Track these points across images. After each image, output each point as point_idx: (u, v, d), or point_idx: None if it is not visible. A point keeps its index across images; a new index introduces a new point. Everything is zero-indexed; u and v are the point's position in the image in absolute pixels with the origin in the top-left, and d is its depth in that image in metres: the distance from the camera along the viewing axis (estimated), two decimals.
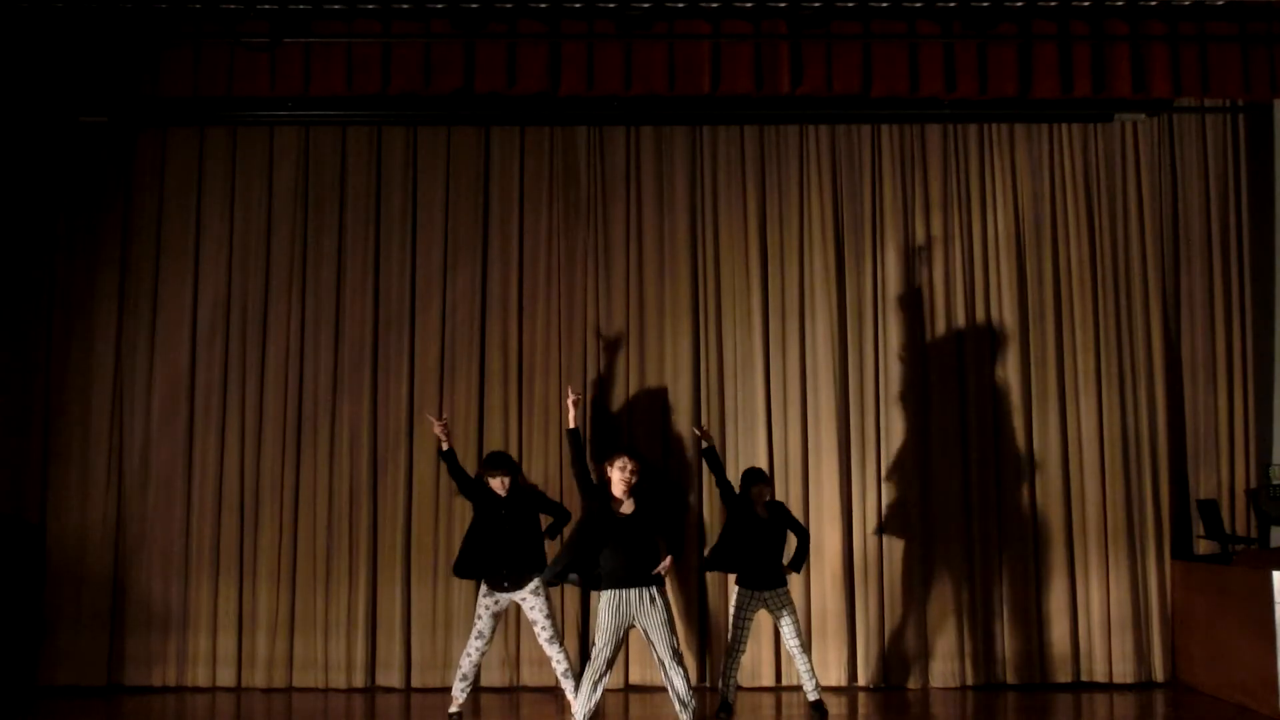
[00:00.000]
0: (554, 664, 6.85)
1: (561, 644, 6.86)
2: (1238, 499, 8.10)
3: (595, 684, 6.09)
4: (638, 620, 6.11)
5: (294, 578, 7.98)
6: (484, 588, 6.79)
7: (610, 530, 6.16)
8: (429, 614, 7.94)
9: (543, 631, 6.79)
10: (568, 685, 6.81)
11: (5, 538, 7.91)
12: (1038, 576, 8.02)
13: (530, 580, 6.77)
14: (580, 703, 6.14)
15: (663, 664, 6.10)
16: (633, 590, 6.09)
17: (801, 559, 7.13)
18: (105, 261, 8.24)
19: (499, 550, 6.75)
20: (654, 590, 6.13)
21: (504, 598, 6.81)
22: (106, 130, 8.28)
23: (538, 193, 8.34)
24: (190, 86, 7.03)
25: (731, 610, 7.00)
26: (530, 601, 6.79)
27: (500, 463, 6.92)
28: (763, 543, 6.95)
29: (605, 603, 6.13)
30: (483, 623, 6.81)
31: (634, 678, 7.87)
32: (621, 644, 6.22)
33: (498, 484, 6.84)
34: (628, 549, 6.13)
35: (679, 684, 6.08)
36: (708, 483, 8.01)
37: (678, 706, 6.11)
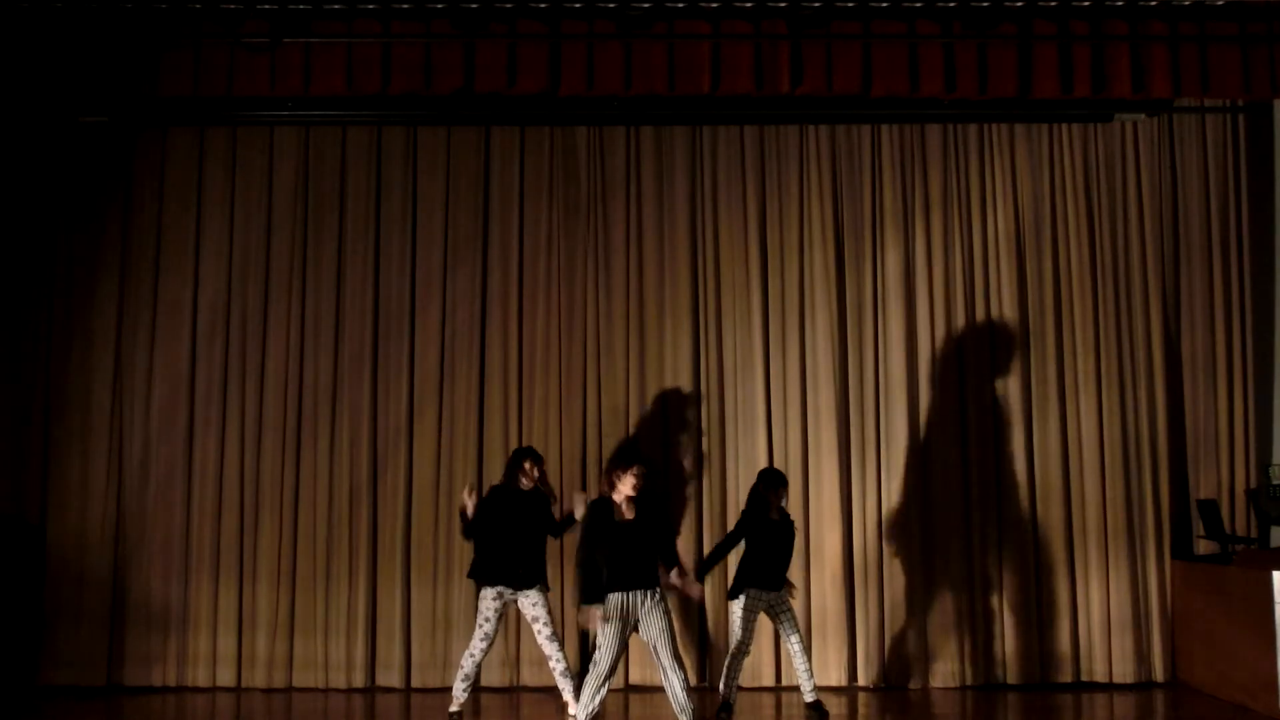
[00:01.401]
0: (552, 663, 6.85)
1: (561, 644, 6.87)
2: (1238, 499, 8.10)
3: (599, 688, 6.07)
4: (640, 622, 6.10)
5: (294, 578, 7.99)
6: (492, 589, 6.78)
7: (614, 537, 6.15)
8: (429, 614, 7.94)
9: (544, 629, 6.80)
10: (565, 685, 6.82)
11: (5, 537, 7.91)
12: (1038, 576, 8.02)
13: (540, 579, 6.81)
14: (582, 705, 6.12)
15: (663, 667, 6.09)
16: (636, 592, 6.09)
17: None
18: (105, 261, 8.24)
19: (517, 549, 6.77)
20: (656, 592, 6.14)
21: (509, 598, 6.82)
22: (106, 130, 8.28)
23: (538, 193, 8.34)
24: (190, 86, 7.01)
25: (739, 612, 6.97)
26: (533, 598, 6.80)
27: (533, 453, 6.99)
28: (776, 545, 6.98)
29: (610, 605, 6.11)
30: (490, 625, 6.80)
31: (634, 678, 7.88)
32: (625, 647, 6.20)
33: (528, 473, 6.87)
34: (631, 553, 6.12)
35: (678, 687, 6.07)
36: (707, 485, 8.03)
37: (676, 709, 6.10)
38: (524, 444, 8.00)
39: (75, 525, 8.02)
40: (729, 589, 7.11)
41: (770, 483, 7.05)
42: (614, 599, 6.07)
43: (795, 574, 7.89)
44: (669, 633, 6.10)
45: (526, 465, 6.92)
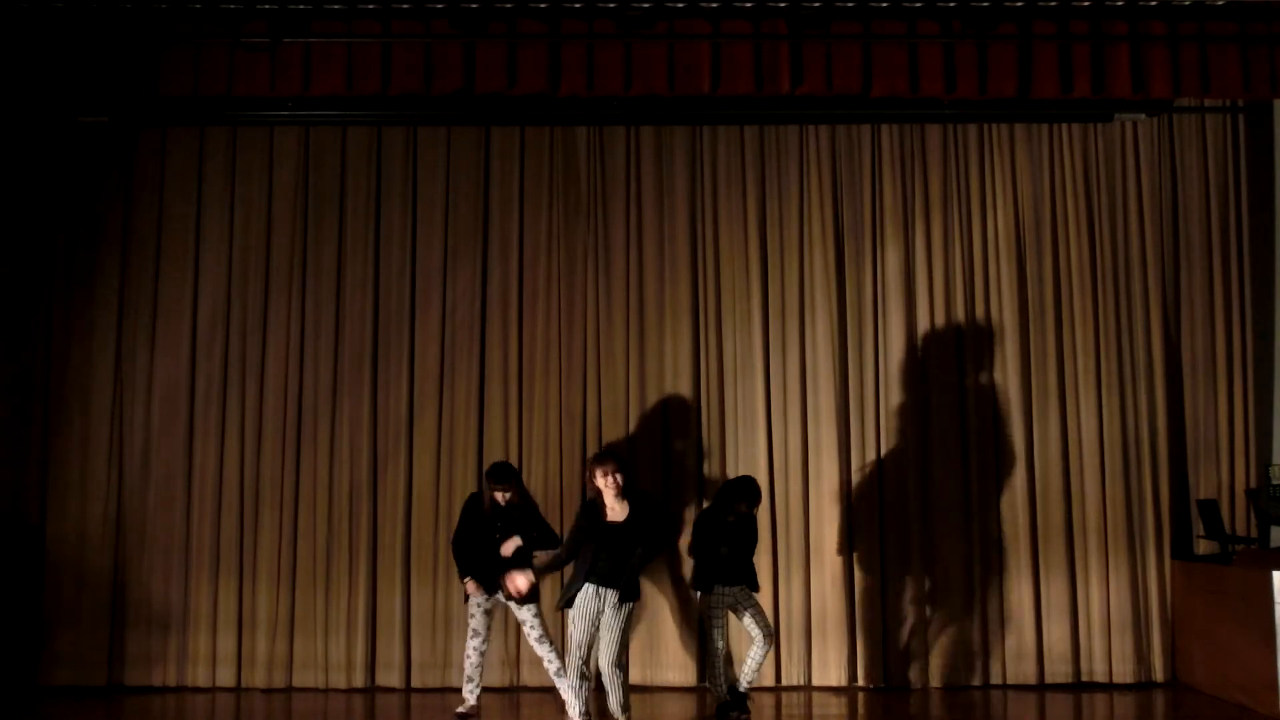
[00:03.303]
0: (545, 664, 6.89)
1: (552, 643, 6.90)
2: (1238, 499, 8.10)
3: (580, 672, 6.18)
4: (602, 619, 6.17)
5: (294, 578, 7.98)
6: (474, 586, 6.88)
7: (599, 537, 6.20)
8: (429, 614, 7.94)
9: (532, 630, 6.86)
10: (560, 684, 6.84)
11: (5, 537, 7.90)
12: (1037, 576, 8.02)
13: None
14: (569, 693, 6.21)
15: (600, 670, 6.18)
16: (604, 589, 6.16)
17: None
18: (105, 261, 8.24)
19: (492, 558, 6.84)
20: (619, 595, 6.18)
21: (494, 597, 6.89)
22: (106, 130, 8.27)
23: (538, 193, 8.34)
24: (190, 86, 7.02)
25: (710, 611, 6.99)
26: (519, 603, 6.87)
27: (505, 476, 6.95)
28: (744, 542, 7.05)
29: (579, 596, 6.19)
30: (476, 620, 6.89)
31: (633, 678, 7.84)
32: (596, 630, 6.23)
33: (500, 497, 6.90)
34: (610, 553, 6.18)
35: (617, 693, 6.16)
36: (707, 485, 8.02)
37: (618, 711, 6.19)
38: (522, 444, 8.06)
39: (75, 525, 8.01)
40: (693, 584, 7.12)
41: (750, 499, 7.05)
42: (584, 589, 6.14)
43: (795, 574, 7.97)
44: (620, 639, 6.15)
45: (485, 486, 6.95)
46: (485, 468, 7.32)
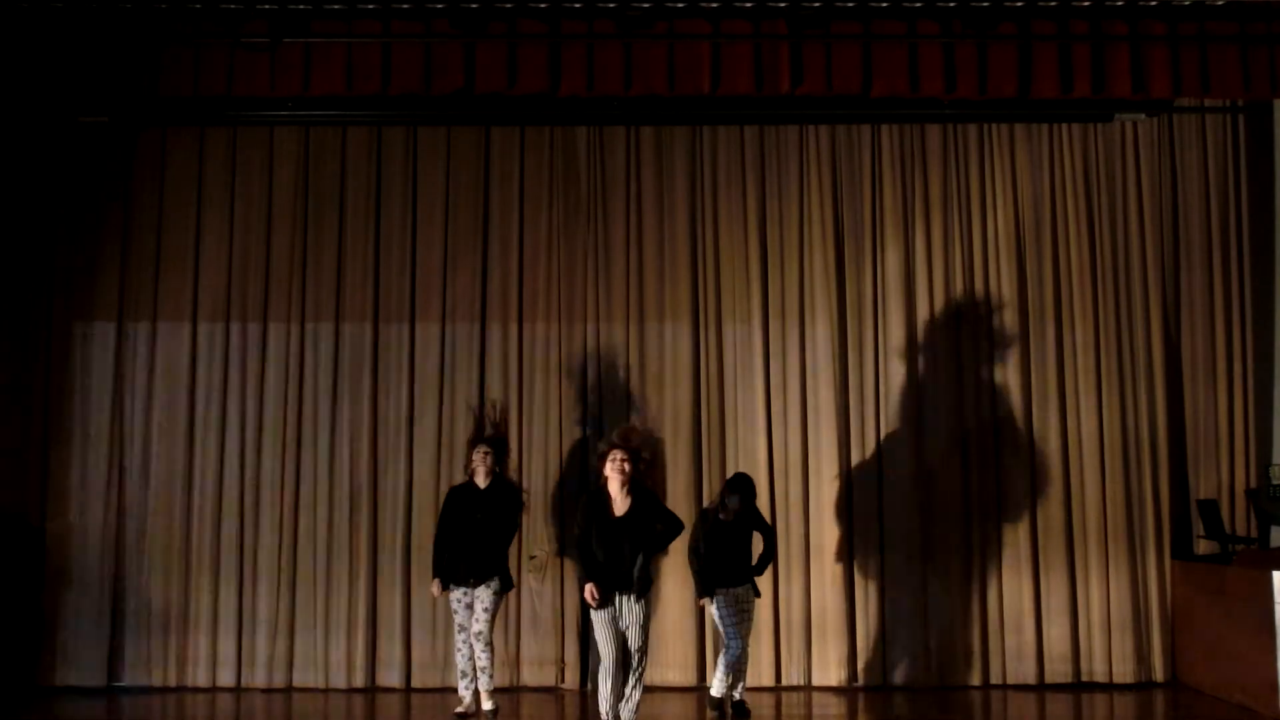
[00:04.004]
0: (476, 657, 6.92)
1: (487, 644, 6.89)
2: (1238, 499, 8.10)
3: (605, 681, 6.14)
4: (621, 616, 6.12)
5: (294, 578, 7.98)
6: (438, 587, 7.02)
7: (602, 533, 6.13)
8: (429, 614, 7.93)
9: (475, 623, 6.89)
10: (482, 680, 6.90)
11: (5, 537, 7.90)
12: (1037, 576, 8.02)
13: (489, 580, 6.88)
14: (601, 697, 6.20)
15: (624, 660, 6.17)
16: (617, 592, 6.11)
17: (767, 559, 7.19)
18: (105, 261, 8.24)
19: (467, 548, 6.90)
20: (625, 592, 6.15)
21: (469, 592, 6.94)
22: (106, 130, 8.27)
23: (538, 193, 8.34)
24: (190, 86, 7.02)
25: (717, 613, 6.97)
26: (481, 595, 6.90)
27: (482, 442, 7.04)
28: (737, 543, 6.99)
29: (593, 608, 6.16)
30: (460, 616, 6.98)
31: None
32: (620, 637, 6.19)
33: (476, 465, 7.00)
34: (615, 551, 6.11)
35: (627, 686, 6.13)
36: (706, 485, 8.02)
37: (628, 704, 6.16)
38: (522, 444, 8.05)
39: (75, 525, 8.01)
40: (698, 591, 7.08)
41: (736, 490, 7.00)
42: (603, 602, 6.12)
43: (795, 574, 7.96)
44: (643, 631, 6.13)
45: (475, 458, 7.04)
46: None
